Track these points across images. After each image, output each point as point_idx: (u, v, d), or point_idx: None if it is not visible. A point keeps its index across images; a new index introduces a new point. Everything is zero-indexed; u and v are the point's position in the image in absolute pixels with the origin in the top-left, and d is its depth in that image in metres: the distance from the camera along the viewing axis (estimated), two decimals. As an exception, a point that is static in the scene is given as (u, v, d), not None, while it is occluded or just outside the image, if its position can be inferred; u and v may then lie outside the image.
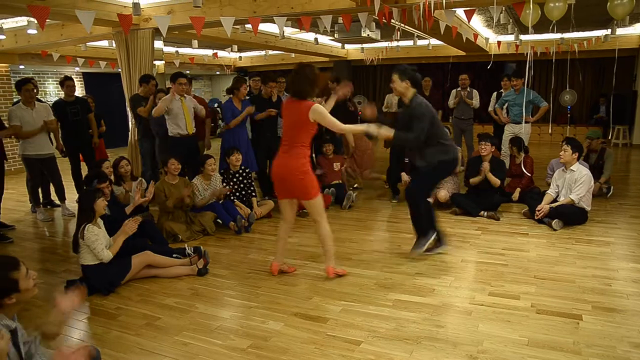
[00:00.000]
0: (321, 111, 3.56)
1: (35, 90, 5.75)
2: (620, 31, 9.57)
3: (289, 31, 9.19)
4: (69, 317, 2.20)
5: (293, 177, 3.62)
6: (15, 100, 8.21)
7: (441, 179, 4.71)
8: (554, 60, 7.70)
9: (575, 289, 3.50)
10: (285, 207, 3.87)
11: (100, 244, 3.64)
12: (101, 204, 3.72)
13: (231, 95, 6.10)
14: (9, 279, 1.98)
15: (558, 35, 9.38)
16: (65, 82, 6.26)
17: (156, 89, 6.23)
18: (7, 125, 5.59)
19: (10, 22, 7.46)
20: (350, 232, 5.11)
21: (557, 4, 4.99)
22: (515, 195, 6.03)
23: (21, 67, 10.58)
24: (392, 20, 5.78)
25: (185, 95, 5.76)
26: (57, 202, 6.35)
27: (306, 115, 3.54)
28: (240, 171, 5.67)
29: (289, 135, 3.67)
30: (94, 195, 3.73)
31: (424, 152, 4.13)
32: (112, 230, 3.90)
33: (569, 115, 12.06)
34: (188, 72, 15.22)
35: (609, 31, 8.80)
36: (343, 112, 5.96)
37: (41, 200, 6.45)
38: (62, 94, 6.62)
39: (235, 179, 5.63)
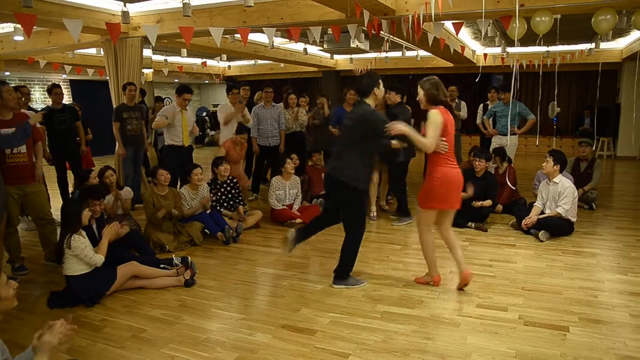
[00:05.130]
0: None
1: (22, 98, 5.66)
2: (604, 45, 9.74)
3: (279, 41, 9.21)
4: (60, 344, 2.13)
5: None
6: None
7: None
8: (541, 73, 7.80)
9: (562, 301, 3.53)
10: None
11: (90, 250, 3.60)
12: (87, 215, 3.68)
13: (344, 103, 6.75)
14: None
15: (544, 49, 9.53)
16: (53, 90, 6.18)
17: (143, 97, 6.22)
18: None
19: (-4, 29, 7.40)
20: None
21: (543, 18, 5.07)
22: (499, 208, 6.04)
23: (7, 73, 10.47)
24: (381, 32, 5.82)
25: (187, 108, 6.31)
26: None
27: None
28: (228, 181, 5.64)
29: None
30: (80, 205, 3.67)
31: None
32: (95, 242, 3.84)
33: (554, 127, 12.25)
34: (176, 80, 15.20)
35: (593, 45, 8.96)
36: None
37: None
38: (47, 101, 6.55)
39: (223, 189, 5.60)
